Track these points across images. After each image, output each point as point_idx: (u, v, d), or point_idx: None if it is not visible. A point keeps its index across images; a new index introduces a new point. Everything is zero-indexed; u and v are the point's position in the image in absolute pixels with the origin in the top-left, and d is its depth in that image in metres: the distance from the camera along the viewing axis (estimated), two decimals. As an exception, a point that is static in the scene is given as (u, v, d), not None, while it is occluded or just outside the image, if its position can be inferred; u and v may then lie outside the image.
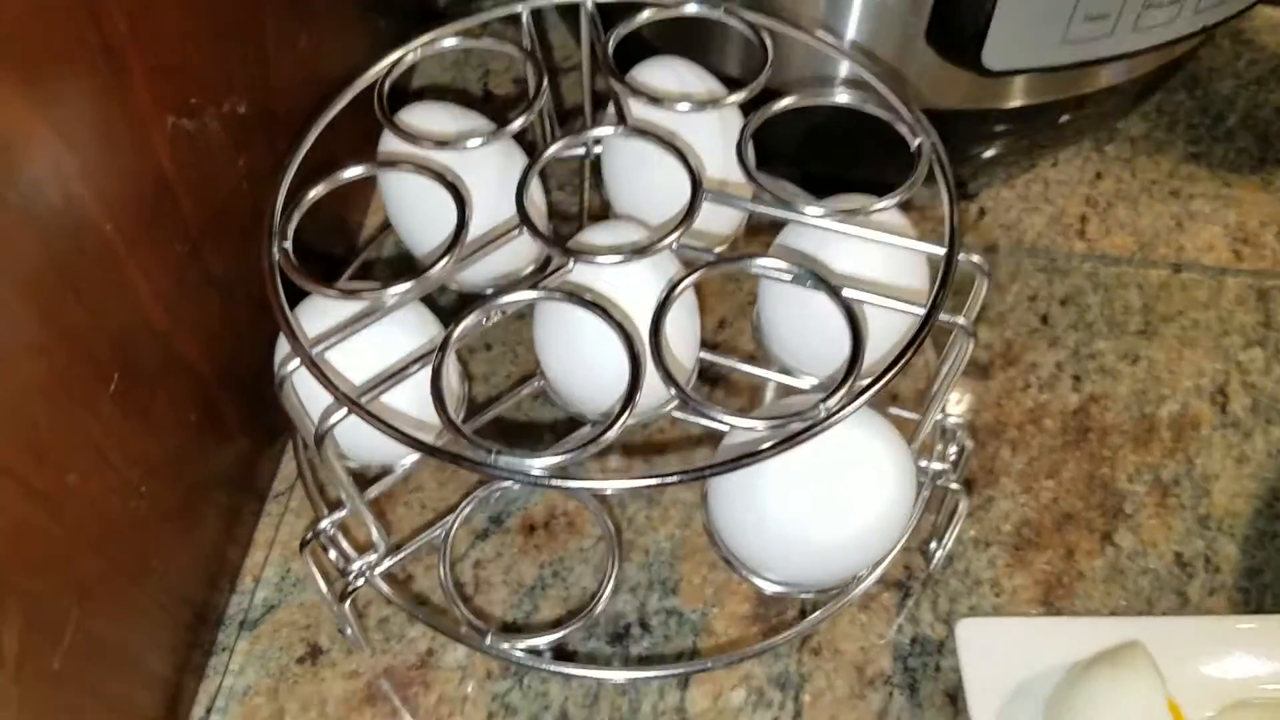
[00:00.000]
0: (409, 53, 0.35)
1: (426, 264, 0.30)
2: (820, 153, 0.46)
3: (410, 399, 0.35)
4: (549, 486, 0.28)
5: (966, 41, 0.40)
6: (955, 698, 0.39)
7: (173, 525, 0.37)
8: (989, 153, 0.50)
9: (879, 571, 0.37)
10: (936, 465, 0.36)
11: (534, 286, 0.30)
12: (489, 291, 0.40)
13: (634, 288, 0.31)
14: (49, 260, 0.29)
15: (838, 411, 0.27)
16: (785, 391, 0.41)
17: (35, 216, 0.28)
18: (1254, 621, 0.39)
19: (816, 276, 0.29)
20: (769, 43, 0.35)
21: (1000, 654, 0.38)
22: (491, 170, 0.36)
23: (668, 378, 0.28)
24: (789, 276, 0.30)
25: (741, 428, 0.28)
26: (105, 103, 0.31)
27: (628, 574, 0.41)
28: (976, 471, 0.44)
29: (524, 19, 0.37)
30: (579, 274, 0.31)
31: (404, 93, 0.37)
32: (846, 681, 0.39)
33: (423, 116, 0.37)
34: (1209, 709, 0.36)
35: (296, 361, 0.29)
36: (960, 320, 0.30)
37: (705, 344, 0.39)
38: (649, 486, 0.29)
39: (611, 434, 0.27)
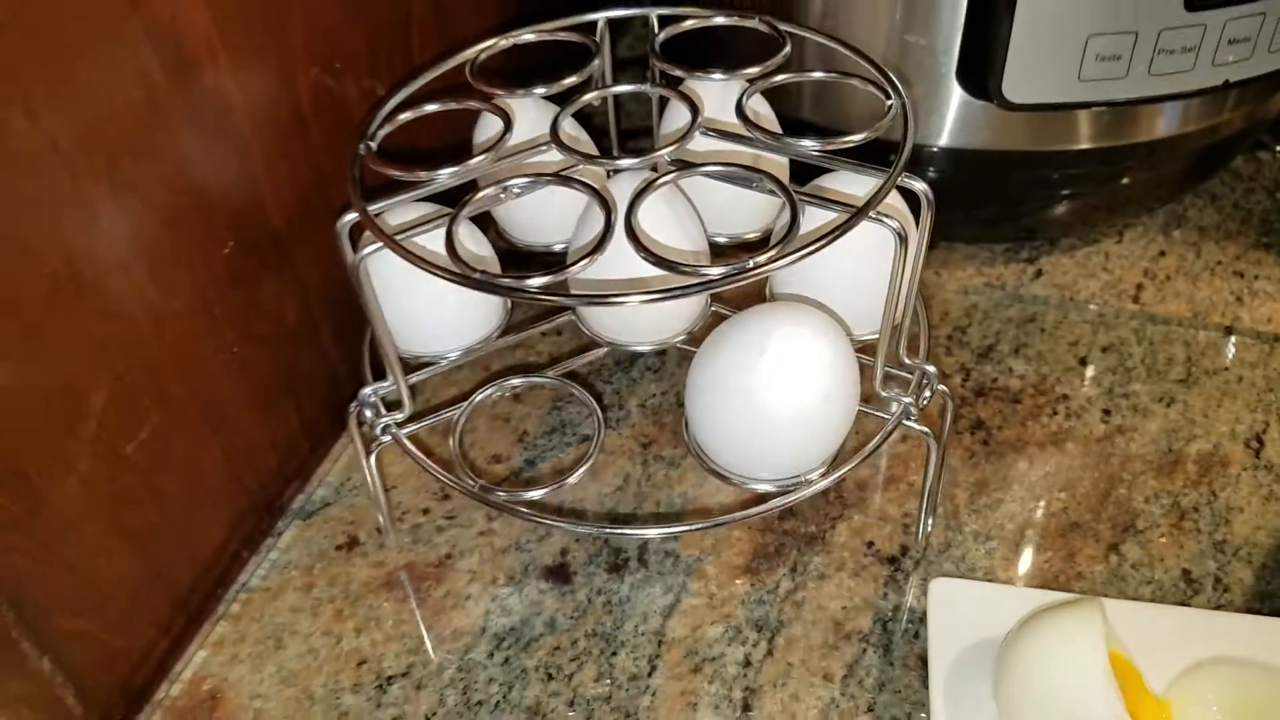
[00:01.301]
0: (500, 40, 0.44)
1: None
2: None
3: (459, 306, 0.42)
4: (541, 299, 0.33)
5: (987, 76, 0.45)
6: (927, 661, 0.39)
7: (256, 403, 0.44)
8: (1051, 210, 0.53)
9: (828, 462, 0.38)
10: (905, 399, 0.38)
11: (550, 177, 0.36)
12: (548, 246, 0.47)
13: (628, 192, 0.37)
14: (197, 135, 0.38)
15: (766, 265, 0.31)
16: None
17: (192, 102, 0.38)
18: (1240, 619, 0.38)
19: (766, 175, 0.34)
20: (787, 40, 0.42)
21: (968, 613, 0.39)
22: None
23: (634, 242, 0.33)
24: (748, 181, 0.35)
25: (697, 271, 0.32)
26: (263, 37, 0.41)
27: (639, 519, 0.45)
28: (987, 474, 0.45)
29: (600, 24, 0.45)
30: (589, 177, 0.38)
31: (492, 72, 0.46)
32: (823, 633, 0.41)
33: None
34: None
35: (354, 214, 0.37)
36: (892, 220, 0.34)
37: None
38: (640, 300, 0.33)
39: (583, 264, 0.32)
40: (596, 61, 0.44)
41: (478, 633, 0.42)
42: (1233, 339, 0.50)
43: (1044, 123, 0.48)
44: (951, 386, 0.49)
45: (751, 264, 0.32)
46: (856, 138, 0.36)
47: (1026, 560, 0.42)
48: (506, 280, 0.33)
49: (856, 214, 0.34)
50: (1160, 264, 0.55)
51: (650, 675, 0.40)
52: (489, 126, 0.45)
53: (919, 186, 0.35)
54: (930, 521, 0.43)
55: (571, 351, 0.50)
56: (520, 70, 0.45)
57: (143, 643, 0.41)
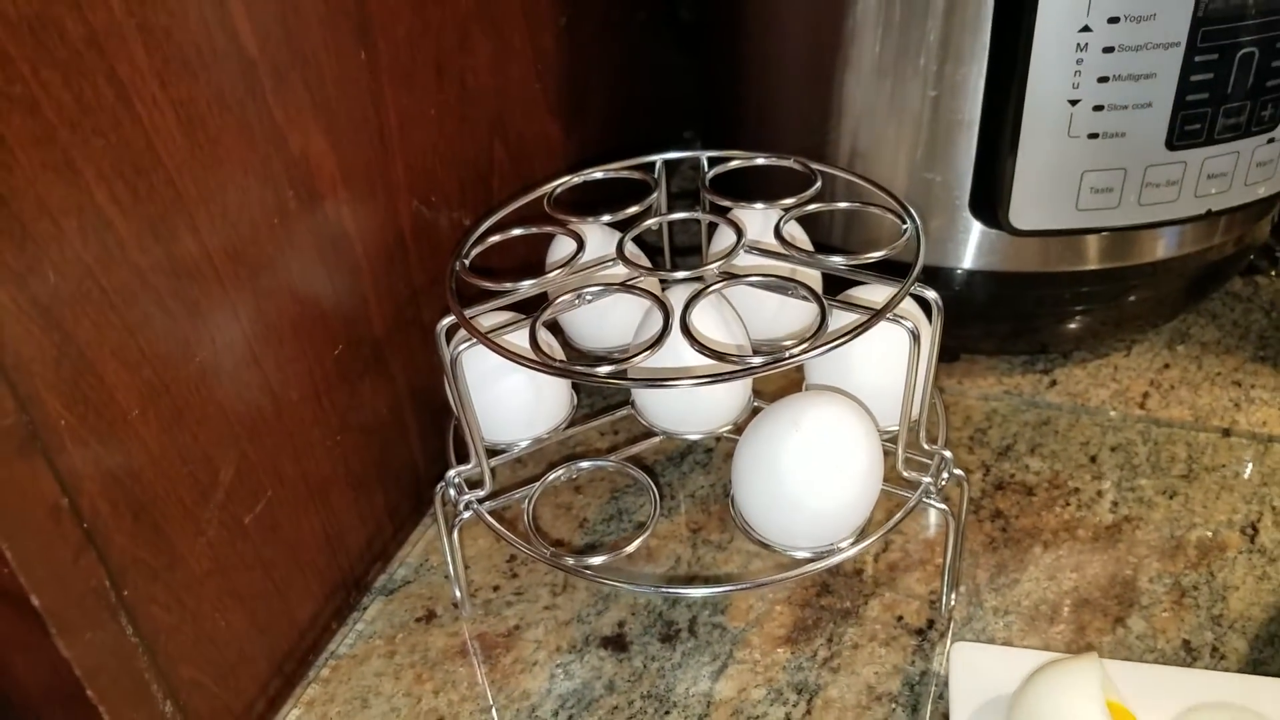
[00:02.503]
0: (573, 177, 0.52)
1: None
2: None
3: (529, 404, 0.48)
4: (608, 383, 0.39)
5: (996, 207, 0.52)
6: (949, 718, 0.43)
7: (351, 489, 0.50)
8: (1063, 325, 0.59)
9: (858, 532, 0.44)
10: (925, 479, 0.44)
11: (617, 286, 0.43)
12: (609, 352, 0.54)
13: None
14: (318, 252, 0.46)
15: (799, 354, 0.38)
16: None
17: (317, 225, 0.45)
18: (1236, 677, 0.42)
19: (799, 283, 0.41)
20: (817, 176, 0.49)
21: (985, 673, 0.43)
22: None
23: (689, 337, 0.39)
24: (784, 289, 0.41)
25: (742, 360, 0.38)
26: (375, 174, 0.49)
27: (688, 595, 0.50)
28: (1006, 558, 0.50)
29: (657, 165, 0.53)
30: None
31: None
32: (856, 695, 0.45)
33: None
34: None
35: (451, 318, 0.43)
36: (906, 321, 0.40)
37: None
38: (692, 384, 0.39)
39: (644, 355, 0.39)
40: (655, 194, 0.51)
41: (544, 694, 0.46)
42: (1230, 440, 0.55)
43: (1052, 246, 0.54)
44: (973, 481, 0.54)
45: (788, 354, 0.38)
46: (877, 254, 0.43)
47: (1040, 631, 0.46)
48: (579, 367, 0.39)
49: (877, 313, 0.40)
50: (1165, 375, 0.60)
51: (700, 732, 0.44)
52: (562, 247, 0.53)
53: (930, 295, 0.42)
54: (953, 596, 0.47)
55: (628, 442, 0.56)
56: (587, 202, 0.52)
57: (246, 699, 0.46)
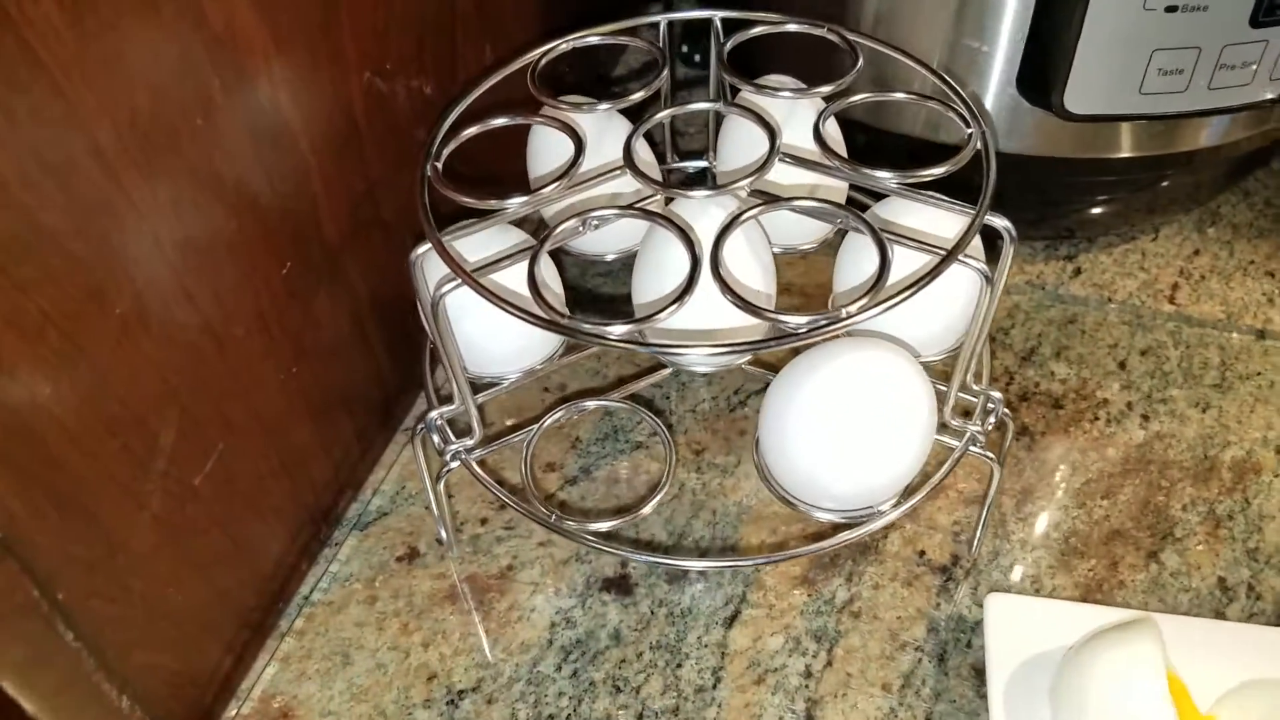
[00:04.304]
0: (561, 43, 0.43)
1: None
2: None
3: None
4: (620, 345, 0.33)
5: (1050, 86, 0.45)
6: (982, 673, 0.40)
7: (312, 419, 0.44)
8: (1091, 210, 0.54)
9: (900, 494, 0.39)
10: (973, 427, 0.39)
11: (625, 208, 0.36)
12: (601, 256, 0.47)
13: (713, 224, 0.36)
14: (255, 152, 0.37)
15: (858, 315, 0.32)
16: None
17: (251, 118, 0.36)
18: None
19: (855, 214, 0.34)
20: (860, 53, 0.41)
21: (1024, 628, 0.40)
22: (615, 136, 0.43)
23: (721, 284, 0.33)
24: (835, 218, 0.35)
25: (783, 322, 0.32)
26: (318, 45, 0.39)
27: (694, 529, 0.45)
28: (1034, 482, 0.46)
29: (661, 27, 0.44)
30: (669, 212, 0.37)
31: (556, 79, 0.45)
32: (879, 643, 0.42)
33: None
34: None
35: (427, 245, 0.36)
36: (979, 265, 0.34)
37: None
38: (705, 353, 0.33)
39: (670, 311, 0.32)
40: (663, 72, 0.43)
41: (544, 645, 0.42)
42: (1265, 343, 0.51)
43: (1092, 131, 0.48)
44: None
45: (844, 314, 0.32)
46: (936, 171, 0.36)
47: (1071, 568, 0.43)
48: (589, 327, 0.33)
49: (946, 258, 0.34)
50: (1195, 263, 0.55)
51: (715, 687, 0.41)
52: (545, 138, 0.45)
53: (1001, 223, 0.36)
54: (980, 529, 0.44)
55: (633, 370, 0.50)
56: (552, 76, 0.44)
57: (210, 664, 0.41)
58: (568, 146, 0.39)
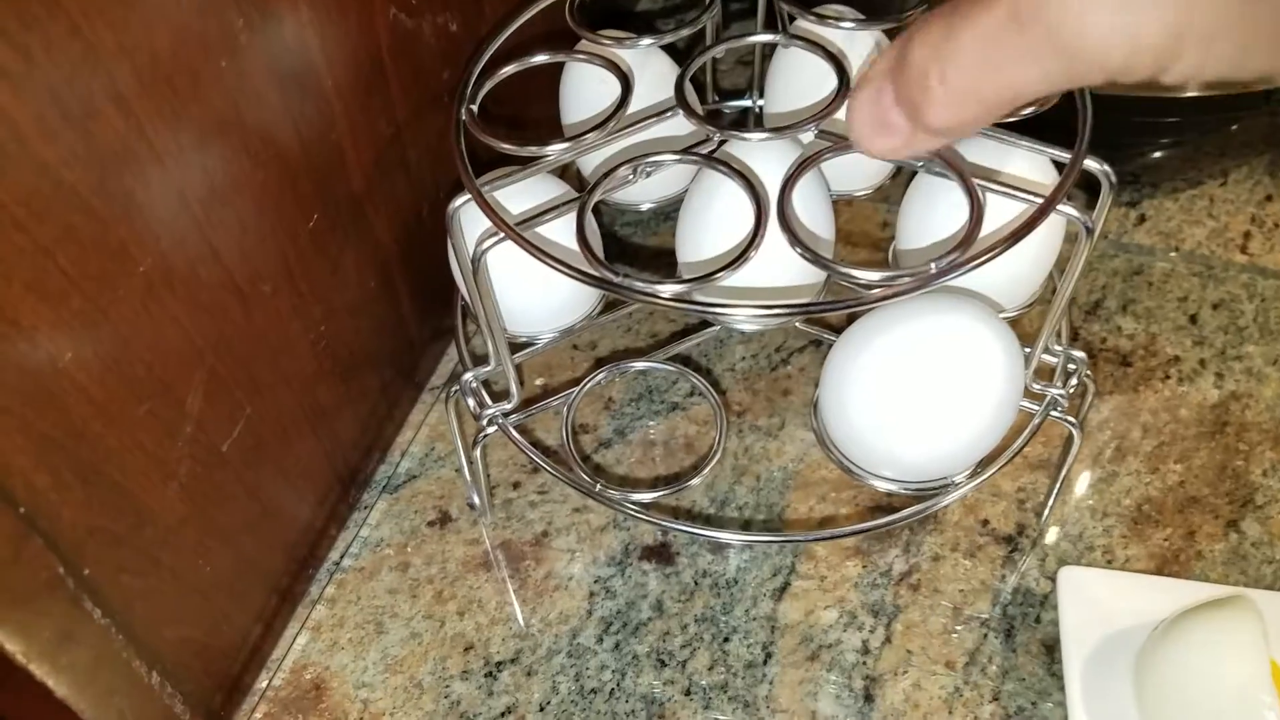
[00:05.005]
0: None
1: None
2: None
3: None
4: (675, 306, 0.30)
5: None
6: (1053, 650, 0.38)
7: (341, 380, 0.42)
8: (1154, 154, 0.50)
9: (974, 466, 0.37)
10: (1054, 390, 0.37)
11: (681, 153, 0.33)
12: (644, 206, 0.44)
13: (770, 169, 0.34)
14: (280, 96, 0.34)
15: (951, 271, 0.29)
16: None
17: (276, 59, 0.34)
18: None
19: (943, 160, 0.31)
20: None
21: (1100, 604, 0.38)
22: (662, 72, 0.40)
23: (791, 235, 0.30)
24: (919, 161, 0.32)
25: (858, 277, 0.30)
26: (343, -21, 0.36)
27: (737, 495, 0.43)
28: (1103, 445, 0.44)
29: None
30: (726, 156, 0.34)
31: (594, 12, 0.42)
32: (941, 618, 0.40)
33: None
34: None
35: (466, 197, 0.33)
36: (1079, 214, 0.32)
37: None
38: (768, 315, 0.30)
39: (734, 268, 0.30)
40: (713, 2, 0.40)
41: (584, 616, 0.40)
42: (1347, 295, 0.49)
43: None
44: (1055, 345, 0.47)
45: (934, 270, 0.29)
46: (1025, 110, 0.33)
47: (1145, 538, 0.41)
48: (642, 285, 0.30)
49: (1045, 206, 0.31)
50: (1267, 209, 0.52)
51: (766, 663, 0.39)
52: (580, 75, 0.42)
53: (1099, 167, 0.33)
54: (1053, 500, 0.41)
55: (669, 327, 0.47)
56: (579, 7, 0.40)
57: (239, 634, 0.39)
58: (605, 87, 0.36)
